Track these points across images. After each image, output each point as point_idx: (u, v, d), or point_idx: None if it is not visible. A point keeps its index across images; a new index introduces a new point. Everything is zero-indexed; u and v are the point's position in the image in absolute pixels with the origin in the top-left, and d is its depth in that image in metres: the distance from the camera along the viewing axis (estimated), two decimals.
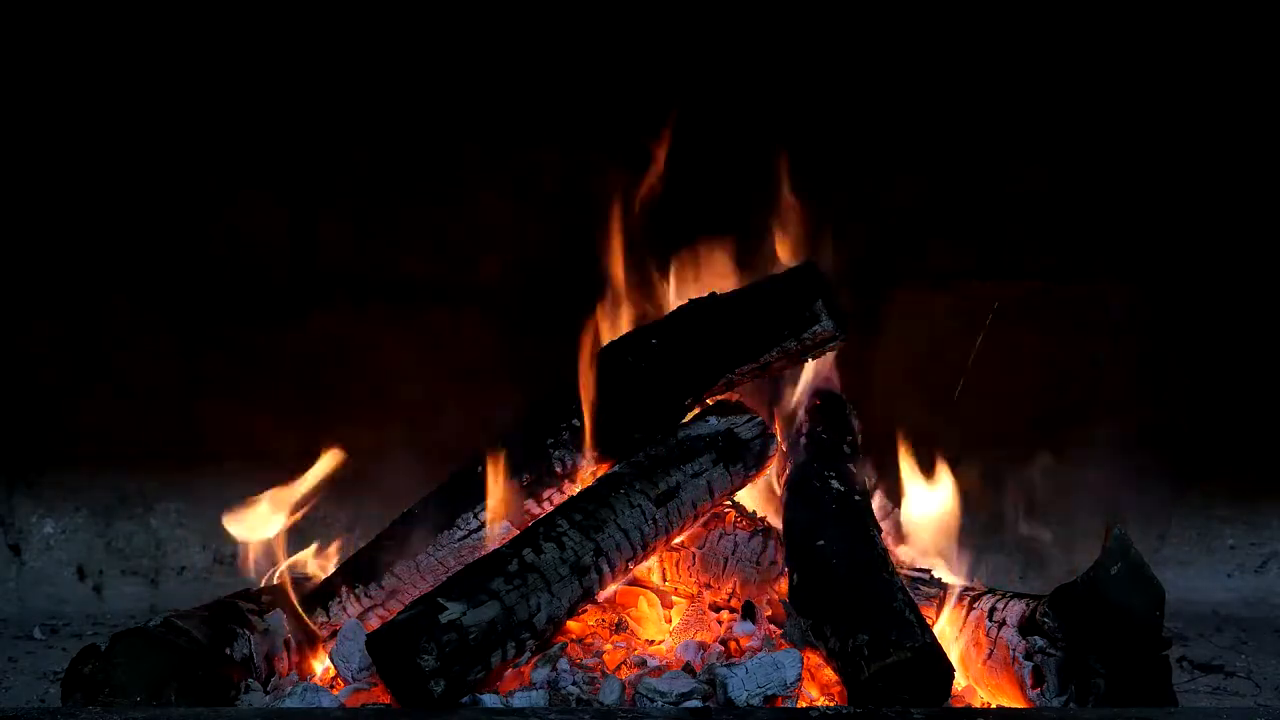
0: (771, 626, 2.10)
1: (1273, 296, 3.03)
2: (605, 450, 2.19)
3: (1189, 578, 3.02)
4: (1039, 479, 2.83)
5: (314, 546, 2.35)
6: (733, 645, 2.05)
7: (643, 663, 2.00)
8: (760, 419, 2.22)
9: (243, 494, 2.96)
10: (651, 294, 2.43)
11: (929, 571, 2.19)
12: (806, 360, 2.25)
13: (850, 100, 2.94)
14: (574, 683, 1.91)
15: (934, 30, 2.93)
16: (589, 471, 2.19)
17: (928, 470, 2.33)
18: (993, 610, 1.98)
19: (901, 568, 2.17)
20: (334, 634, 2.09)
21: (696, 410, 2.23)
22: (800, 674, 1.84)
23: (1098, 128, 2.98)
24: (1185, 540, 3.09)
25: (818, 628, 1.89)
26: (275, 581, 2.22)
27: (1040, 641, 1.85)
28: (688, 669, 1.94)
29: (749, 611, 2.15)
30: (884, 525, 2.26)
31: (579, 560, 1.95)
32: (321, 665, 2.12)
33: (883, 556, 2.00)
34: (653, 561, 2.21)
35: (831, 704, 1.87)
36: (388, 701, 1.86)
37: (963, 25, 2.92)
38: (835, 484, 2.15)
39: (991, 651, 1.94)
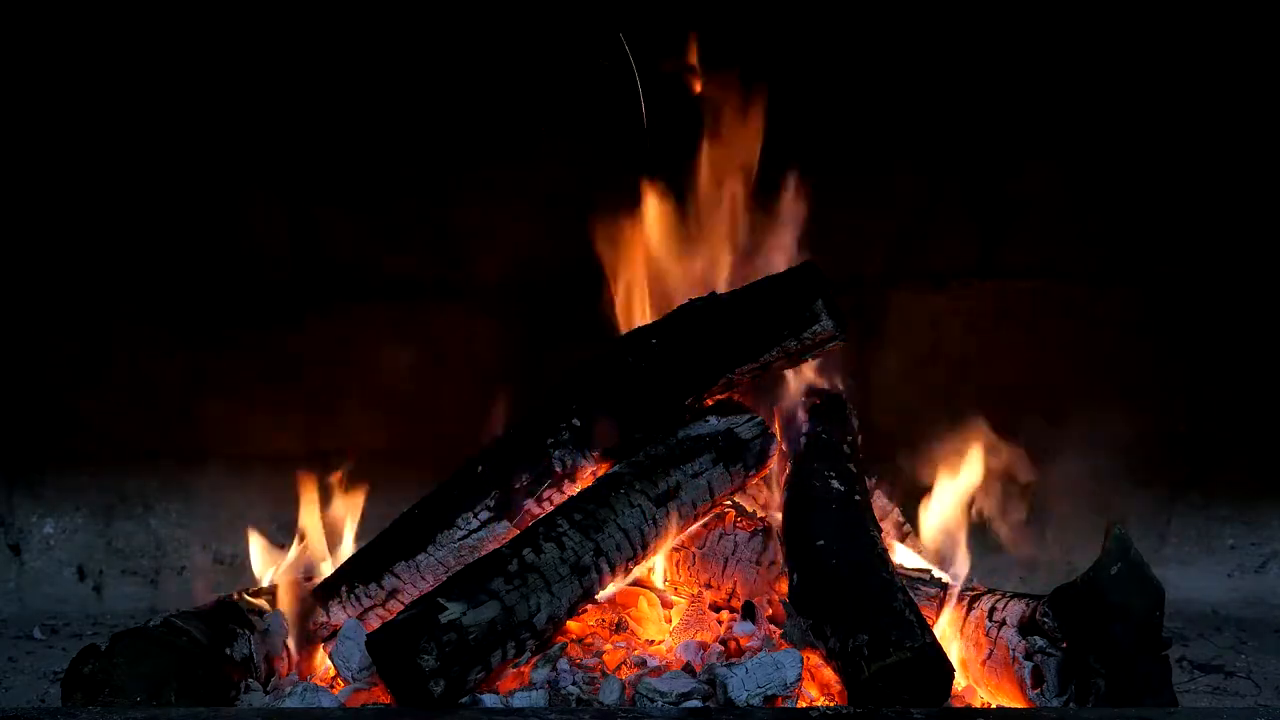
0: (771, 626, 2.10)
1: (1272, 297, 3.03)
2: (605, 450, 2.19)
3: (1189, 578, 3.02)
4: (1038, 478, 2.84)
5: (313, 547, 2.35)
6: (733, 645, 2.05)
7: (643, 663, 2.00)
8: (760, 419, 2.22)
9: (243, 494, 2.98)
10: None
11: (929, 571, 2.20)
12: (806, 360, 2.25)
13: (850, 98, 2.94)
14: (574, 683, 1.91)
15: (936, 29, 2.93)
16: (589, 471, 2.19)
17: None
18: (993, 610, 1.98)
19: (901, 568, 2.17)
20: (334, 634, 2.09)
21: (696, 410, 2.23)
22: (800, 674, 1.84)
23: (1099, 127, 2.98)
24: (1185, 540, 3.09)
25: (818, 628, 1.89)
26: (275, 581, 2.22)
27: (1040, 641, 1.85)
28: (688, 669, 1.94)
29: (749, 611, 2.14)
30: (884, 525, 2.26)
31: (579, 560, 1.95)
32: (322, 665, 2.12)
33: (883, 556, 2.00)
34: (653, 561, 2.21)
35: (831, 704, 1.87)
36: (388, 701, 1.86)
37: (963, 25, 2.92)
38: (835, 484, 2.15)
39: (991, 651, 1.94)
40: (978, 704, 1.96)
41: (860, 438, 2.39)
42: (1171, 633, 1.85)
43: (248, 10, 2.88)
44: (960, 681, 1.97)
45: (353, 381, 3.02)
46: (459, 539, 2.15)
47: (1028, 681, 1.85)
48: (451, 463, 2.29)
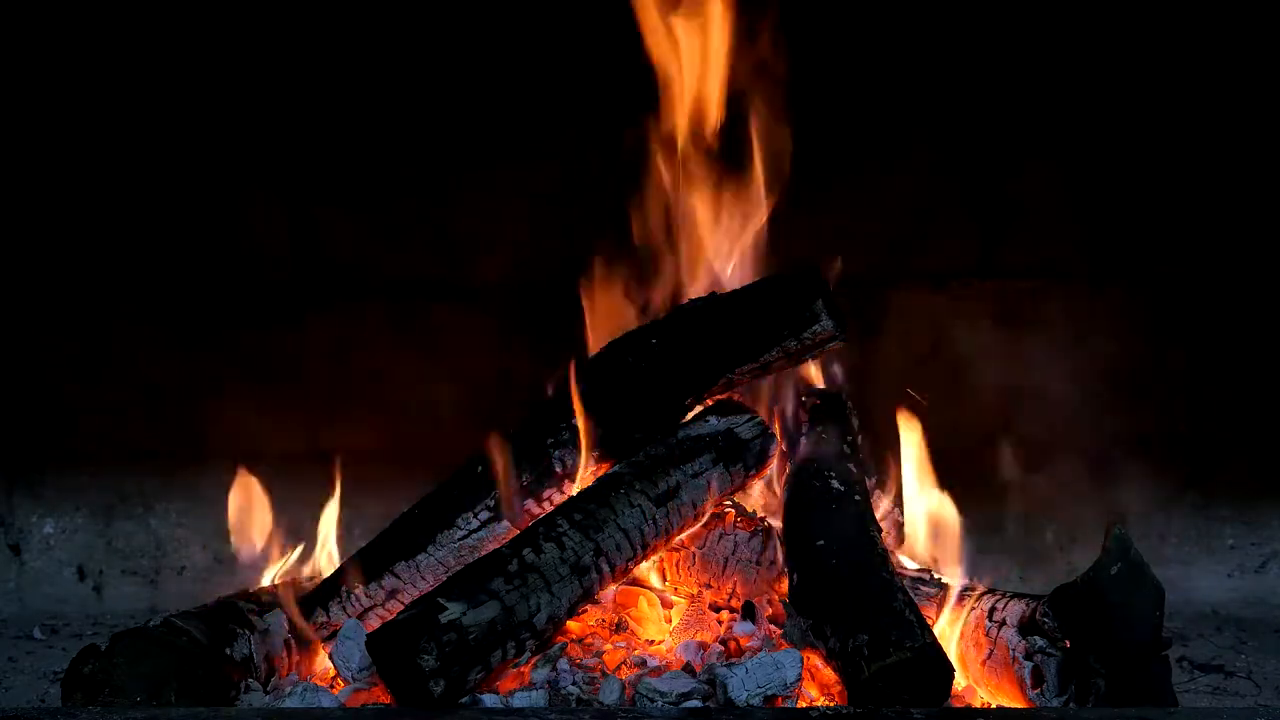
0: (771, 626, 2.10)
1: (1272, 296, 3.03)
2: (605, 450, 2.19)
3: (1189, 578, 3.02)
4: (1038, 479, 2.84)
5: (313, 547, 2.35)
6: (733, 645, 2.05)
7: (643, 663, 2.00)
8: (760, 419, 2.22)
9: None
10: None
11: (929, 571, 2.20)
12: (806, 360, 2.25)
13: (849, 96, 2.94)
14: (574, 683, 1.91)
15: (937, 29, 2.93)
16: (589, 471, 2.19)
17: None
18: (993, 610, 1.98)
19: (901, 568, 2.17)
20: (334, 634, 2.09)
21: (696, 410, 2.23)
22: (800, 674, 1.84)
23: (1099, 127, 2.98)
24: (1185, 540, 3.09)
25: (818, 628, 1.89)
26: (274, 582, 2.22)
27: (1040, 641, 1.85)
28: (688, 669, 1.94)
29: (749, 611, 2.14)
30: (884, 525, 2.26)
31: (579, 560, 1.95)
32: (322, 665, 2.12)
33: (883, 556, 2.00)
34: (653, 561, 2.21)
35: (831, 704, 1.87)
36: (388, 701, 1.86)
37: (964, 25, 2.92)
38: (835, 484, 2.15)
39: (991, 651, 1.94)
40: (978, 704, 1.96)
41: (860, 438, 2.39)
42: (1171, 633, 1.85)
43: (249, 10, 2.88)
44: (960, 681, 1.97)
45: (353, 381, 3.02)
46: (459, 539, 2.15)
47: (1028, 681, 1.85)
48: (451, 463, 2.29)
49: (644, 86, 2.81)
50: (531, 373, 2.85)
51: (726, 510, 2.24)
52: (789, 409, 2.38)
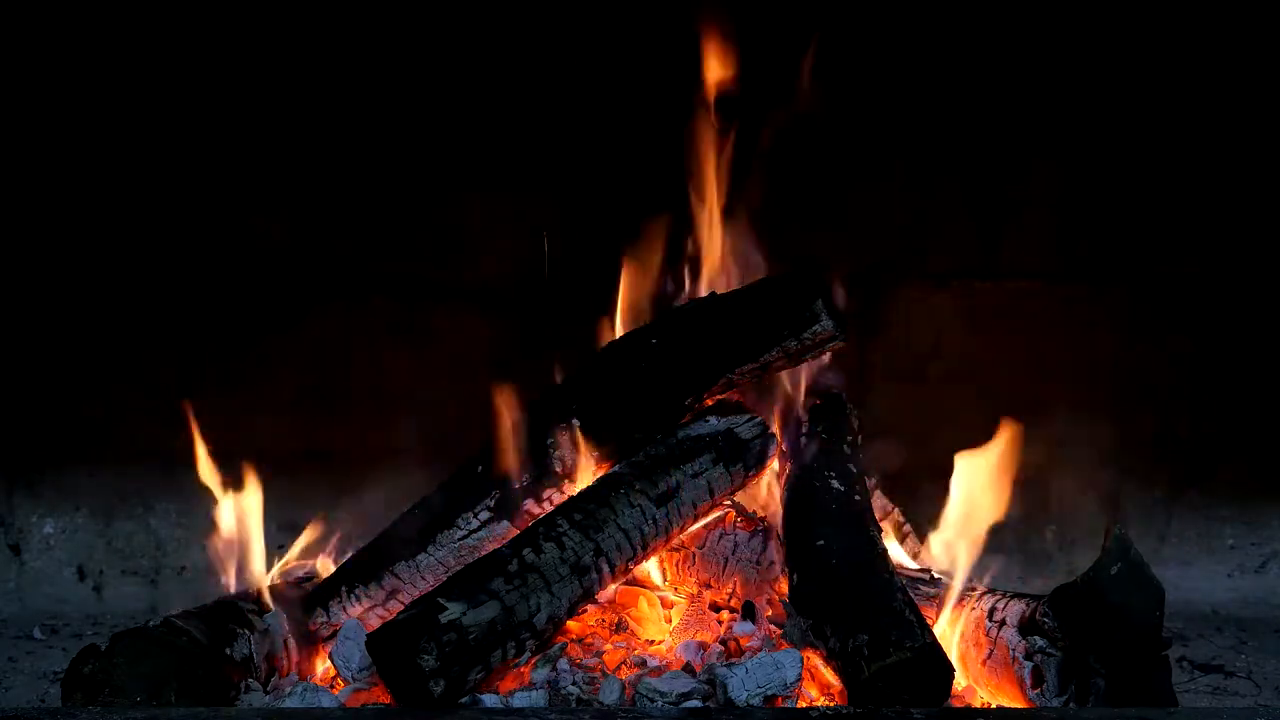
0: (771, 626, 2.10)
1: (1272, 297, 3.03)
2: (605, 450, 2.19)
3: (1189, 578, 3.02)
4: (1038, 479, 2.84)
5: (311, 546, 2.35)
6: (733, 645, 2.05)
7: (643, 663, 2.00)
8: (760, 419, 2.22)
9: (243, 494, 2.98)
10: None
11: (929, 571, 2.20)
12: (806, 360, 2.25)
13: (849, 98, 2.94)
14: (574, 683, 1.91)
15: (936, 29, 2.93)
16: (589, 471, 2.19)
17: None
18: (993, 610, 1.98)
19: (902, 568, 2.17)
20: (334, 634, 2.09)
21: (696, 410, 2.23)
22: (800, 674, 1.84)
23: (1100, 127, 2.98)
24: (1185, 540, 3.09)
25: (818, 628, 1.89)
26: (274, 581, 2.22)
27: (1040, 641, 1.85)
28: (688, 669, 1.94)
29: (749, 611, 2.15)
30: (884, 525, 2.26)
31: (579, 560, 1.95)
32: (322, 665, 2.12)
33: (883, 556, 2.00)
34: (653, 561, 2.21)
35: (831, 704, 1.87)
36: (388, 701, 1.86)
37: (964, 23, 2.92)
38: (835, 484, 2.15)
39: (991, 651, 1.94)
40: (978, 704, 1.96)
41: (860, 438, 2.39)
42: (1171, 633, 1.85)
43: (254, 17, 2.89)
44: (960, 681, 1.97)
45: (353, 381, 3.02)
46: (459, 539, 2.15)
47: (1028, 681, 1.85)
48: (451, 462, 2.29)
49: (644, 87, 2.82)
50: (531, 373, 2.86)
51: (726, 510, 2.24)
52: (789, 409, 2.38)
